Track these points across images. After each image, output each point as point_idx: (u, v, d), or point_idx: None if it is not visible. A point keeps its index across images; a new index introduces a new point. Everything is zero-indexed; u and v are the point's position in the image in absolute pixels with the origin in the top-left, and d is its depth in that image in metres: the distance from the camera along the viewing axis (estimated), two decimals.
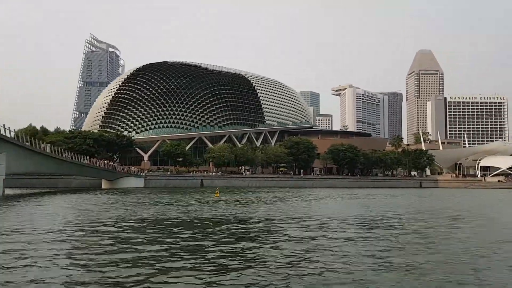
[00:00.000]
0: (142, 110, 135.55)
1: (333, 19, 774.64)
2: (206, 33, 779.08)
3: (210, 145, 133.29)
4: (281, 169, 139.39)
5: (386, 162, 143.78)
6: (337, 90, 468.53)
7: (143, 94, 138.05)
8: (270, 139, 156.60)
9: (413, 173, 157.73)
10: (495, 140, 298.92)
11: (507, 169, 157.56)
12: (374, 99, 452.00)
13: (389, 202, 51.95)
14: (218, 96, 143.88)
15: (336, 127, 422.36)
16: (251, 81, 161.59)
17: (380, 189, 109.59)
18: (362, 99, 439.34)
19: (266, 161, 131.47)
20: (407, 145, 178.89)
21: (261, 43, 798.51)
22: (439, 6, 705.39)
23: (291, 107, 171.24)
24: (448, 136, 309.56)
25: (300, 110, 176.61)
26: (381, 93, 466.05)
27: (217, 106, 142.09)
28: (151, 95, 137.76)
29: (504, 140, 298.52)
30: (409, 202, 53.37)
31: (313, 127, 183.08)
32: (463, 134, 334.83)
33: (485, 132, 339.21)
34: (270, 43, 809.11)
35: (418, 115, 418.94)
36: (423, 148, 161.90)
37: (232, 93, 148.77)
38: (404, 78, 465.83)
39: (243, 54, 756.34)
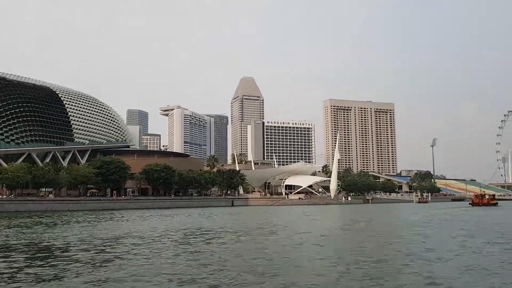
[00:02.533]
0: None
1: (168, 39, 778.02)
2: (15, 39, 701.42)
3: (4, 164, 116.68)
4: (90, 190, 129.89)
5: (201, 182, 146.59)
6: (165, 110, 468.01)
7: None
8: (80, 158, 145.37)
9: (237, 192, 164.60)
10: (305, 161, 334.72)
11: (308, 187, 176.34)
12: (202, 121, 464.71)
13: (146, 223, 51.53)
14: (16, 110, 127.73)
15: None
16: (60, 96, 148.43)
17: (193, 209, 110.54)
18: (190, 120, 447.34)
19: (73, 182, 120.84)
20: (222, 165, 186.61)
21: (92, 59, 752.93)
22: (262, 35, 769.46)
23: (106, 125, 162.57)
24: (265, 157, 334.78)
25: (116, 128, 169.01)
26: (208, 115, 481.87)
27: (14, 121, 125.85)
28: None
29: (308, 161, 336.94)
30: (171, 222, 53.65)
31: (131, 147, 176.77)
32: (278, 155, 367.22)
33: (297, 154, 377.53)
34: (103, 59, 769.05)
35: (241, 137, 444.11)
36: (237, 168, 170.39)
37: (35, 107, 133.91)
38: (229, 102, 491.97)
39: (60, 68, 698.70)
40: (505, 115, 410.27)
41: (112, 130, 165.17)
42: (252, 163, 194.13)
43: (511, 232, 38.96)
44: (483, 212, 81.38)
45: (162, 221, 56.55)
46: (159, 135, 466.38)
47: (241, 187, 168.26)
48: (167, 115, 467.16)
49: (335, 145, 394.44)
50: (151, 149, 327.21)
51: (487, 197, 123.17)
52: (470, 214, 74.40)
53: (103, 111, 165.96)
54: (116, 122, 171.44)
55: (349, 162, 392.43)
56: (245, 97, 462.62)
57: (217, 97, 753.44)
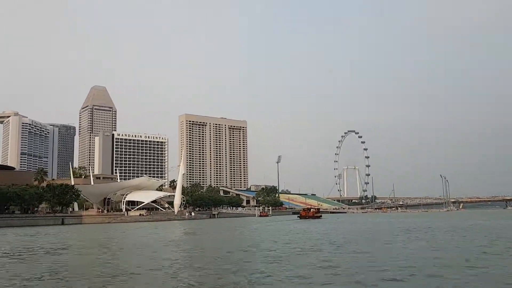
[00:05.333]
0: None
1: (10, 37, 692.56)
2: None
3: None
4: None
5: (25, 198, 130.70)
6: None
7: None
8: None
9: (70, 209, 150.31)
10: (158, 176, 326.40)
11: (152, 202, 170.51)
12: (44, 131, 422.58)
13: None
14: None
15: None
16: None
17: (12, 228, 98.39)
18: (29, 129, 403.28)
19: None
20: (53, 179, 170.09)
21: None
22: (118, 44, 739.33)
23: None
24: (114, 171, 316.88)
25: None
26: (52, 125, 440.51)
27: None
28: None
29: (161, 176, 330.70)
30: None
31: None
32: (129, 169, 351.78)
33: (149, 168, 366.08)
34: None
35: (90, 149, 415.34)
36: (72, 182, 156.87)
37: None
38: (78, 112, 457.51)
39: None
40: (342, 136, 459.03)
41: None
42: (91, 177, 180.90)
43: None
44: (298, 224, 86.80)
45: None
46: None
47: (77, 204, 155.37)
48: (1, 122, 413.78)
49: (189, 159, 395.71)
50: None
51: (312, 210, 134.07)
52: (281, 226, 78.50)
53: None
54: None
55: (203, 177, 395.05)
56: (96, 107, 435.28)
57: (64, 105, 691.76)
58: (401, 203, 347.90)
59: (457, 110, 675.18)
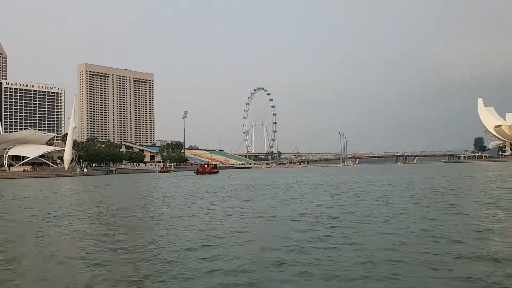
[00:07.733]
0: None
1: None
2: None
3: None
4: None
5: None
6: None
7: None
8: None
9: None
10: (54, 130, 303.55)
11: (40, 157, 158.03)
12: None
13: None
14: None
15: None
16: None
17: None
18: None
19: None
20: None
21: None
22: None
23: None
24: (3, 124, 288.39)
25: None
26: None
27: None
28: None
29: (57, 129, 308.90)
30: None
31: None
32: (21, 121, 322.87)
33: (43, 121, 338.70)
34: None
35: None
36: None
37: None
38: None
39: None
40: (251, 93, 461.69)
41: None
42: None
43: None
44: (183, 180, 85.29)
45: None
46: None
47: None
48: None
49: (90, 113, 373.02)
50: None
51: (208, 166, 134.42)
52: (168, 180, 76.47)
53: None
54: None
55: (106, 132, 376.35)
56: None
57: None
58: (303, 158, 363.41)
59: (357, 72, 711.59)
